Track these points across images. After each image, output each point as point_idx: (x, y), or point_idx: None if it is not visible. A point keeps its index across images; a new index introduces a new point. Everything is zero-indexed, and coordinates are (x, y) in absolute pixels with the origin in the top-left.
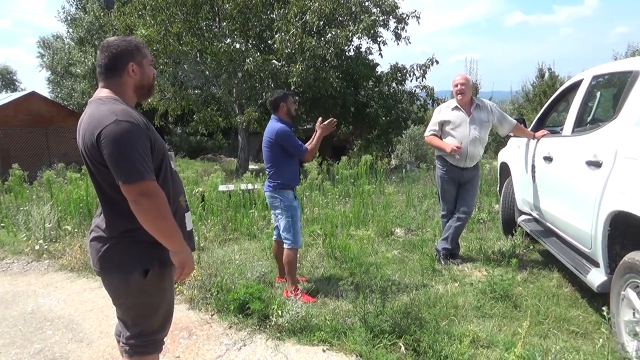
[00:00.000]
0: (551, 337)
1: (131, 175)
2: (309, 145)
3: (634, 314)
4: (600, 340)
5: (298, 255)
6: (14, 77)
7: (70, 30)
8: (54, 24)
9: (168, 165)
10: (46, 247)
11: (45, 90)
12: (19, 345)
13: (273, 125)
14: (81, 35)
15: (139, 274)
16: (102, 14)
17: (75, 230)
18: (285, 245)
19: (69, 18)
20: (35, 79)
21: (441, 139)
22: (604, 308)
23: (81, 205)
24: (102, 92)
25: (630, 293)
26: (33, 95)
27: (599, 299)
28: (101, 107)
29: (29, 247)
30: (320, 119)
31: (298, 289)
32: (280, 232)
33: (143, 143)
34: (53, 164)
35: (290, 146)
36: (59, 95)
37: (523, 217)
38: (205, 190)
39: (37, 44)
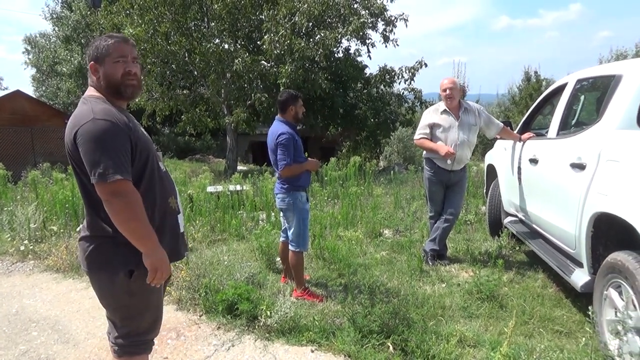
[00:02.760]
0: (536, 337)
1: (104, 174)
2: (293, 163)
3: (616, 313)
4: (584, 339)
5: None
6: None
7: (56, 28)
8: (40, 22)
9: (154, 166)
10: (31, 247)
11: (30, 89)
12: (3, 347)
13: (277, 128)
14: (67, 33)
15: (124, 274)
16: (88, 12)
17: (61, 230)
18: (290, 248)
19: (54, 16)
20: (19, 78)
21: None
22: (590, 307)
23: (67, 205)
24: (88, 92)
25: (613, 293)
26: (18, 93)
27: (582, 298)
28: (82, 107)
29: (13, 248)
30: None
31: (307, 289)
32: (289, 234)
33: (120, 143)
34: (38, 163)
35: (280, 152)
36: (44, 94)
37: (509, 218)
38: (194, 192)
39: (23, 41)
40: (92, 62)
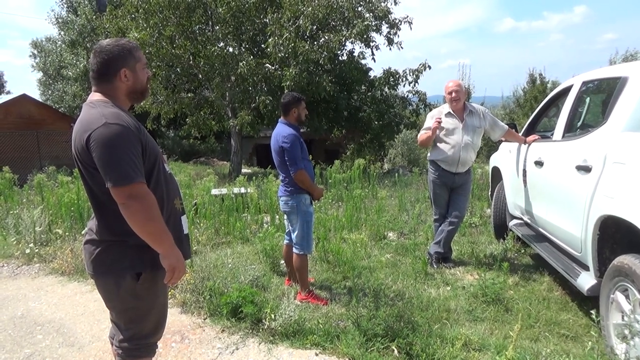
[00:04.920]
0: (542, 340)
1: (120, 178)
2: (306, 174)
3: (622, 317)
4: (590, 343)
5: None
6: (1, 79)
7: (62, 32)
8: (45, 27)
9: (161, 168)
10: (37, 250)
11: (36, 93)
12: (9, 350)
13: (281, 130)
14: (73, 37)
15: (131, 277)
16: (94, 16)
17: (67, 233)
18: (294, 251)
19: (60, 21)
20: (24, 81)
21: (435, 144)
22: (592, 311)
23: (72, 208)
24: (94, 96)
25: (619, 296)
26: (24, 97)
27: (588, 302)
28: (91, 111)
29: (19, 251)
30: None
31: (311, 292)
32: (293, 237)
33: (133, 146)
34: (44, 167)
35: (289, 156)
36: (50, 98)
37: (514, 221)
38: (198, 200)
39: (30, 45)
40: (124, 69)
